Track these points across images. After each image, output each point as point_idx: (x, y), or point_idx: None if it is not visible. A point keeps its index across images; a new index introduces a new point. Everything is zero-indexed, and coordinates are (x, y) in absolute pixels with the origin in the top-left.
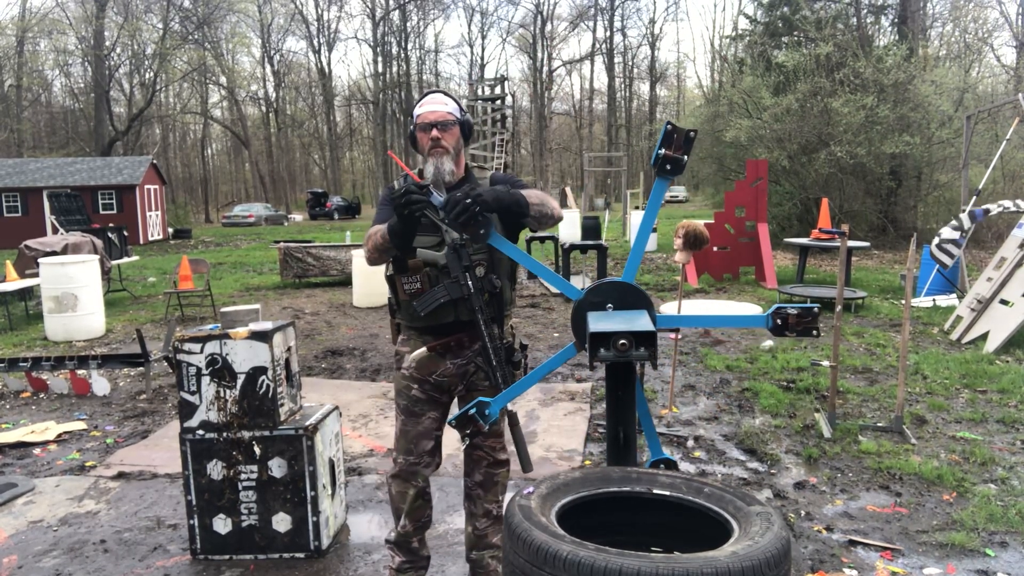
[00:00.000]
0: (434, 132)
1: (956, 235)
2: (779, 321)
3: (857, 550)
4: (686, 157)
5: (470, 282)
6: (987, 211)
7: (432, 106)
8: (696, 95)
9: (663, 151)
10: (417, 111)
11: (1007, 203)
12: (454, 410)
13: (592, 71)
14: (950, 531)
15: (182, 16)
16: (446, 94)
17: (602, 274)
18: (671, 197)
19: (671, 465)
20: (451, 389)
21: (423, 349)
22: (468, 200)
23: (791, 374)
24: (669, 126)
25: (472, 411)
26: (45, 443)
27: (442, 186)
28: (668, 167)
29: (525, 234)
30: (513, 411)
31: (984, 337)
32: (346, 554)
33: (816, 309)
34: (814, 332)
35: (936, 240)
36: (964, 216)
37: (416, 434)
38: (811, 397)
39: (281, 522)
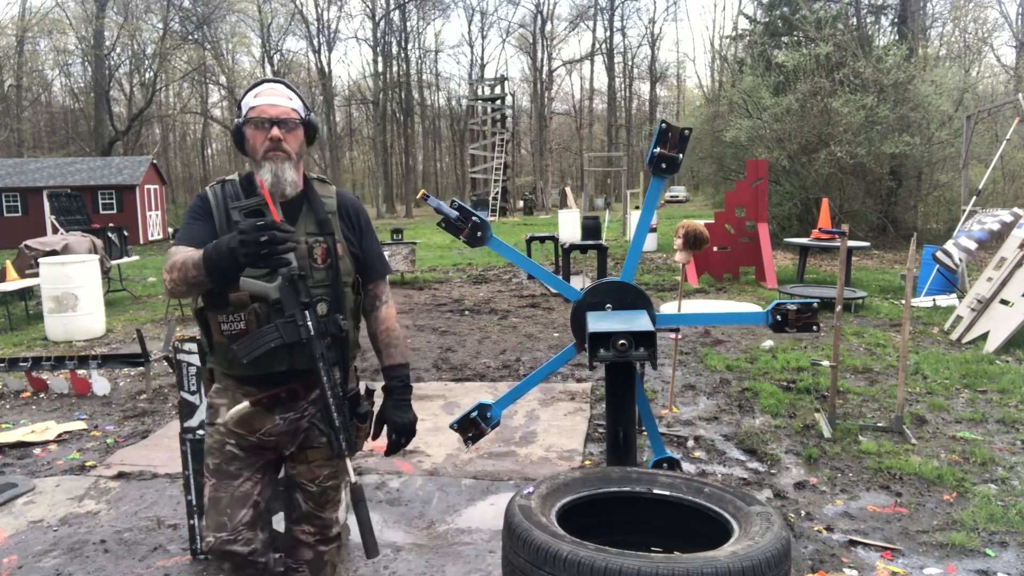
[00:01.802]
0: (275, 131)
1: (972, 245)
2: (779, 317)
3: (857, 550)
4: (681, 155)
5: (310, 322)
6: (991, 231)
7: (272, 98)
8: (696, 95)
9: (658, 150)
10: (250, 102)
11: (1002, 214)
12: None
13: (592, 71)
14: (950, 531)
15: (182, 16)
16: (287, 86)
17: (602, 274)
18: (671, 197)
19: (674, 464)
20: (278, 448)
21: (245, 404)
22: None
23: (791, 374)
24: (664, 125)
25: (474, 414)
26: (45, 443)
27: (277, 199)
28: (664, 165)
29: (525, 233)
30: (358, 484)
31: (984, 337)
32: (346, 554)
33: (816, 304)
34: (814, 327)
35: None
36: (967, 241)
37: (230, 501)
38: (811, 397)
39: (281, 522)
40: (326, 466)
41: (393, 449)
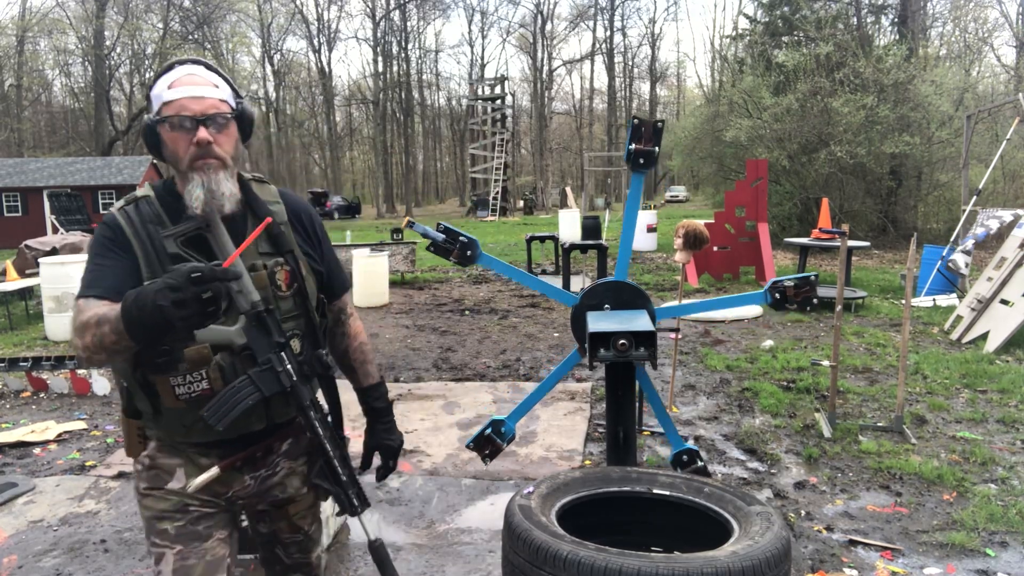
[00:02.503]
0: (202, 133)
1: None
2: (777, 295)
3: (857, 550)
4: (657, 148)
5: (289, 366)
6: (989, 231)
7: (193, 89)
8: (696, 95)
9: (634, 146)
10: (164, 95)
11: (1003, 214)
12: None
13: (592, 71)
14: (950, 531)
15: (182, 16)
16: (209, 67)
17: (602, 273)
18: (671, 197)
19: (694, 455)
20: (246, 508)
21: (214, 470)
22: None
23: (791, 374)
24: (636, 120)
25: (488, 431)
26: (45, 443)
27: (216, 218)
28: (641, 160)
29: (525, 233)
30: (379, 541)
31: (984, 337)
32: (346, 554)
33: (813, 277)
34: (814, 301)
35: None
36: (969, 245)
37: (205, 570)
38: (811, 397)
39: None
40: (309, 514)
41: (385, 474)
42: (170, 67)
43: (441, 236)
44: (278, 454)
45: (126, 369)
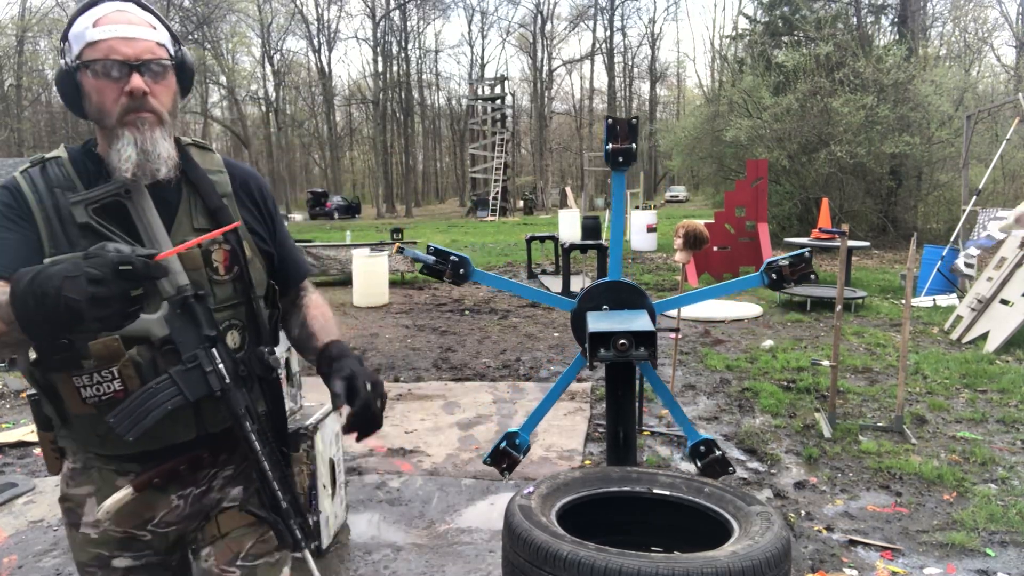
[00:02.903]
0: (135, 81)
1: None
2: (773, 275)
3: (857, 550)
4: (635, 145)
5: (220, 365)
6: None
7: (126, 28)
8: (696, 95)
9: (611, 145)
10: (88, 33)
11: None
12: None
13: (592, 71)
14: (950, 531)
15: (182, 16)
16: (142, 5)
17: (602, 273)
18: (671, 197)
19: (712, 445)
20: (183, 540)
21: (125, 491)
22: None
23: (791, 374)
24: (609, 120)
25: (503, 444)
26: None
27: (141, 184)
28: (620, 159)
29: (525, 233)
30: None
31: (984, 337)
32: (346, 554)
33: (808, 253)
34: (812, 276)
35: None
36: (973, 250)
37: None
38: (811, 397)
39: None
40: (250, 534)
41: (368, 420)
42: (93, 2)
43: (432, 259)
44: (213, 468)
45: (24, 364)
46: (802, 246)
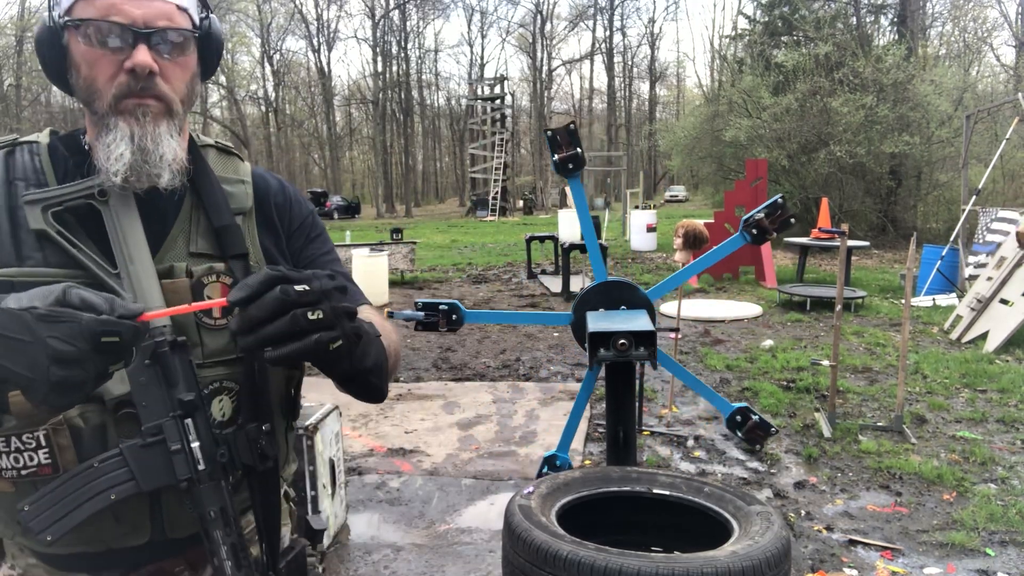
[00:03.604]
0: (141, 55)
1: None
2: (754, 231)
3: (857, 550)
4: (580, 149)
5: (195, 444)
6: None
7: None
8: (696, 94)
9: (556, 156)
10: None
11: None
12: None
13: (592, 70)
14: (950, 531)
15: None
16: None
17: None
18: (671, 196)
19: (747, 412)
20: None
21: None
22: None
23: (791, 373)
24: (548, 132)
25: (544, 470)
26: None
27: (130, 192)
28: (570, 166)
29: (525, 233)
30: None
31: (984, 336)
32: (346, 554)
33: (781, 199)
34: (791, 221)
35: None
36: (983, 259)
37: None
38: (811, 396)
39: None
40: None
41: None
42: None
43: (421, 315)
44: None
45: None
46: (802, 246)
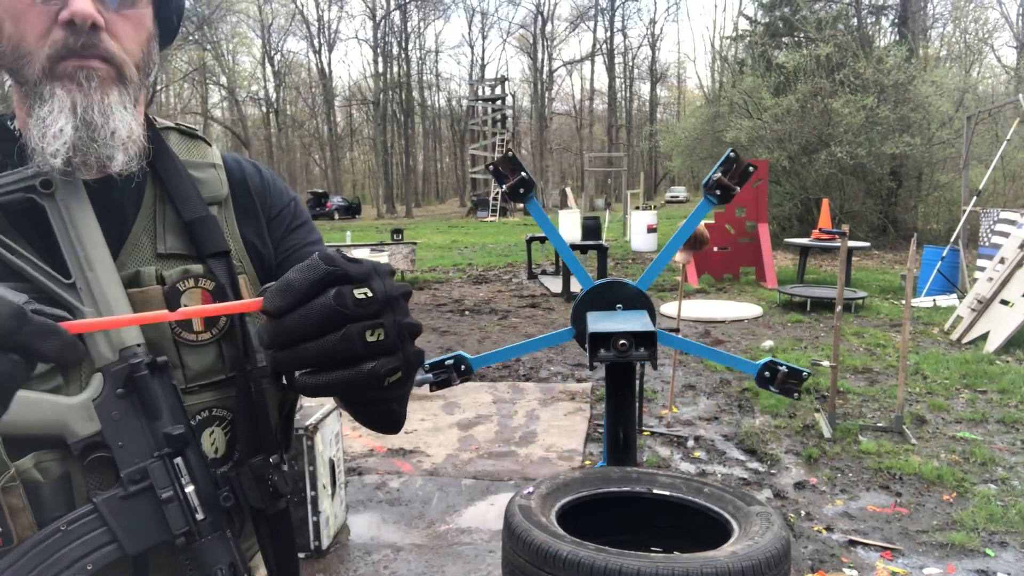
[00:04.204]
0: (79, 2)
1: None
2: (717, 192)
3: (857, 550)
4: (524, 173)
5: (190, 489)
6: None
7: None
8: (696, 95)
9: (505, 186)
10: None
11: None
12: None
13: (592, 71)
14: (950, 531)
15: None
16: None
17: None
18: (671, 197)
19: (773, 366)
20: None
21: None
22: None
23: None
24: (491, 167)
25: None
26: None
27: (78, 178)
28: (521, 191)
29: (525, 234)
30: None
31: (984, 337)
32: (346, 554)
33: (733, 153)
34: (750, 169)
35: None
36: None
37: None
38: (811, 397)
39: None
40: None
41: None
42: None
43: (431, 376)
44: None
45: None
46: (802, 247)
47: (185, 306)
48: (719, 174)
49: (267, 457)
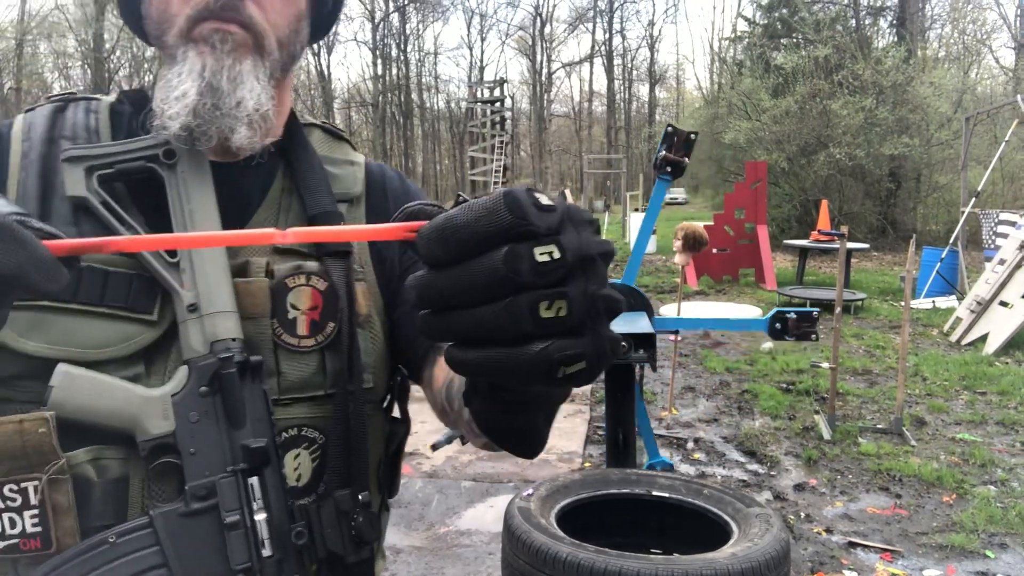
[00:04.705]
0: None
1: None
2: (668, 169)
3: (857, 552)
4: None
5: (261, 517)
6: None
7: None
8: (695, 97)
9: (664, 154)
10: None
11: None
12: None
13: (591, 73)
14: (950, 533)
15: None
16: None
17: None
18: (670, 199)
19: (782, 316)
20: None
21: None
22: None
23: (791, 376)
24: (669, 127)
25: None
26: None
27: (203, 152)
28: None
29: None
30: None
31: (984, 339)
32: None
33: (670, 127)
34: (692, 137)
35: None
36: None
37: None
38: (811, 399)
39: None
40: None
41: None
42: None
43: (459, 432)
44: None
45: None
46: (801, 248)
47: (292, 306)
48: (664, 152)
49: (356, 493)
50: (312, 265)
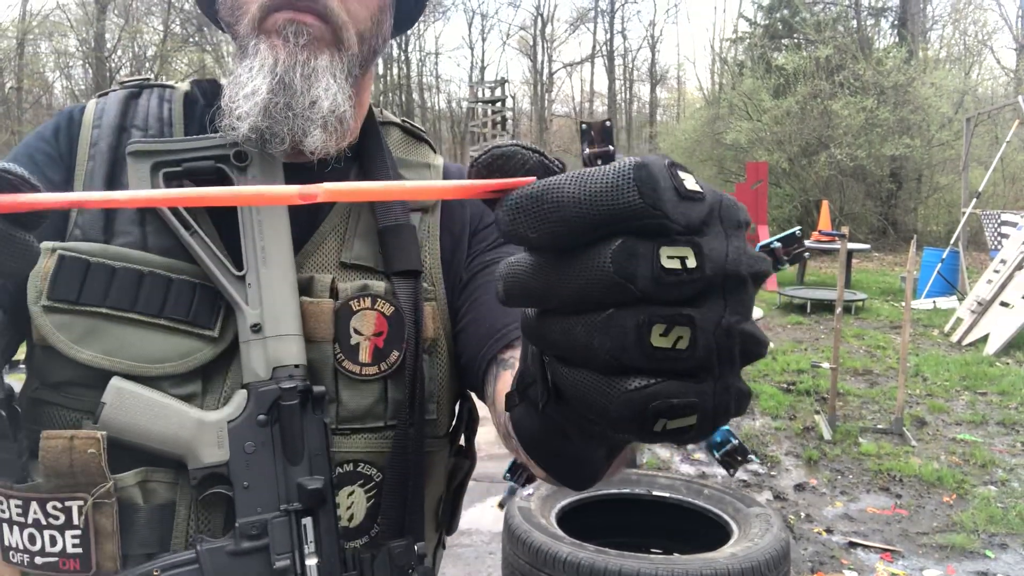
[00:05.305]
0: None
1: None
2: (599, 162)
3: (857, 552)
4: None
5: (313, 563)
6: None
7: None
8: (696, 97)
9: (588, 151)
10: None
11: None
12: None
13: (592, 73)
14: (950, 533)
15: (183, 18)
16: None
17: None
18: None
19: (769, 248)
20: None
21: None
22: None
23: (791, 376)
24: (583, 125)
25: (735, 441)
26: None
27: (275, 153)
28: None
29: None
30: None
31: (984, 339)
32: None
33: (585, 125)
34: (607, 123)
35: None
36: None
37: None
38: (811, 399)
39: None
40: None
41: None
42: None
43: (511, 480)
44: None
45: None
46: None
47: (355, 331)
48: (587, 149)
49: (412, 544)
50: (379, 286)
